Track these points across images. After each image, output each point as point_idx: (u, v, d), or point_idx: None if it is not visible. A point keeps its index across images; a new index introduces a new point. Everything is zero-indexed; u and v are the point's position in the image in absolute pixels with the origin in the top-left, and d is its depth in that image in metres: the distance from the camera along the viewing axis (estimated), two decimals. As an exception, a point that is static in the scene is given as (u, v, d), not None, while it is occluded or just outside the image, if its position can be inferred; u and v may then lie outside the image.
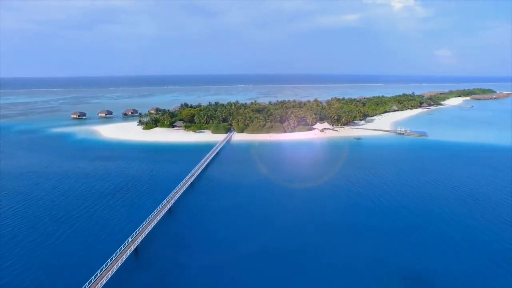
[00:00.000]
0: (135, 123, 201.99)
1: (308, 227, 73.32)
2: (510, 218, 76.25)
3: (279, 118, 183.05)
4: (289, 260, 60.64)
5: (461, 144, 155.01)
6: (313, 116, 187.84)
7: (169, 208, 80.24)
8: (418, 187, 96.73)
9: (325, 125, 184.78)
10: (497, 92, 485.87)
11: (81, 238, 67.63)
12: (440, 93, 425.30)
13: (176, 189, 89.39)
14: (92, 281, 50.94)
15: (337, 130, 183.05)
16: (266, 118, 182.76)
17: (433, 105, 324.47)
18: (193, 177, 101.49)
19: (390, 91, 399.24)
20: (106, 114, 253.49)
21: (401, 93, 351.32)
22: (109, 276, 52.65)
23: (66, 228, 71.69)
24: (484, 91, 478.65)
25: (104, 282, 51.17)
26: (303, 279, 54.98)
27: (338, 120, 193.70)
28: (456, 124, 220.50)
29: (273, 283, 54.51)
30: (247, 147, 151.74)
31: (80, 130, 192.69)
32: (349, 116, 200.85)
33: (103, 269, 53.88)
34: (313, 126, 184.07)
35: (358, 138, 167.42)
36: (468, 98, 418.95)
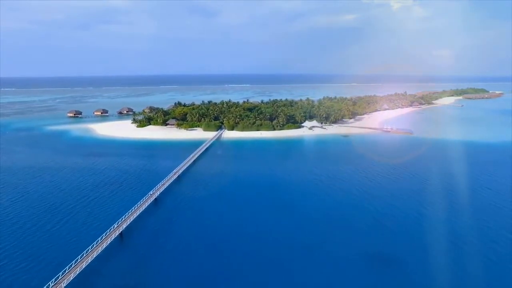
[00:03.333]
0: (130, 121, 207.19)
1: (290, 216, 78.61)
2: (471, 206, 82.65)
3: (268, 116, 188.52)
4: (268, 246, 65.53)
5: (443, 141, 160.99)
6: (302, 114, 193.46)
7: (155, 198, 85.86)
8: (392, 179, 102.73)
9: (314, 123, 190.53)
10: (490, 91, 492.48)
11: (74, 225, 73.32)
12: (433, 93, 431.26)
13: (162, 181, 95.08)
14: (78, 260, 56.65)
15: (325, 128, 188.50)
16: (256, 116, 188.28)
17: (424, 104, 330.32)
18: (180, 171, 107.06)
19: (385, 91, 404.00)
20: (102, 113, 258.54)
21: (399, 93, 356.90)
22: (94, 256, 58.28)
23: (61, 217, 77.27)
24: (476, 91, 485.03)
25: (89, 261, 56.76)
26: (280, 263, 60.08)
27: (327, 118, 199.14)
28: (443, 122, 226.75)
29: (251, 267, 59.43)
30: (236, 144, 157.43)
31: (75, 128, 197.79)
32: (338, 115, 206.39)
33: (89, 250, 59.57)
34: (302, 124, 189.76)
35: (345, 136, 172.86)
36: (460, 97, 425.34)
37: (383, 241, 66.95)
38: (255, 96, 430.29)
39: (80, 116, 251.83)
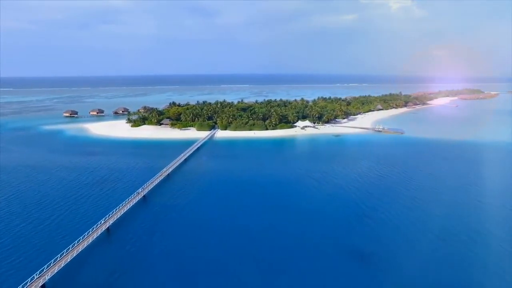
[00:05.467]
0: (125, 121, 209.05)
1: (278, 212, 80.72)
2: (456, 203, 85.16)
3: (261, 116, 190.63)
4: (256, 242, 67.28)
5: (433, 140, 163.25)
6: (295, 114, 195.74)
7: (144, 195, 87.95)
8: (381, 177, 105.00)
9: (306, 122, 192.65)
10: (485, 92, 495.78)
11: (64, 222, 75.34)
12: (429, 93, 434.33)
13: (152, 180, 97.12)
14: (64, 254, 58.83)
15: (317, 128, 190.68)
16: (249, 116, 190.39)
17: (419, 104, 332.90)
18: (171, 169, 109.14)
19: (382, 91, 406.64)
20: (97, 113, 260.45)
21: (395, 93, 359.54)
22: (80, 250, 60.42)
23: (52, 214, 79.30)
24: (472, 91, 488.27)
25: (74, 255, 58.84)
26: (268, 259, 61.80)
27: (319, 118, 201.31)
28: (435, 122, 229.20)
29: (237, 262, 60.95)
30: (227, 143, 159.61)
31: (71, 128, 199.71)
32: (331, 115, 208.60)
33: (75, 244, 61.77)
34: (295, 124, 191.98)
35: (337, 135, 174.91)
36: (455, 98, 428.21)
37: (370, 236, 69.15)
38: (252, 96, 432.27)
39: (76, 116, 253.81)
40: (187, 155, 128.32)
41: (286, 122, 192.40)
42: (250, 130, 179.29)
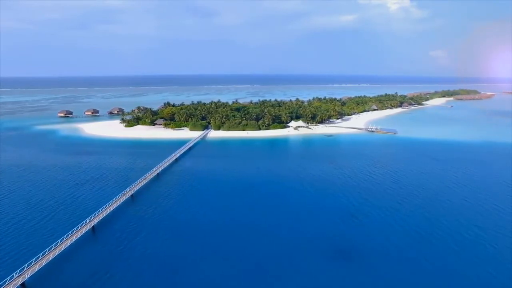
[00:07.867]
0: (119, 121, 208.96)
1: (267, 211, 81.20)
2: (445, 202, 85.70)
3: (255, 116, 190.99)
4: (244, 241, 67.57)
5: (425, 140, 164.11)
6: (288, 114, 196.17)
7: (132, 194, 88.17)
8: (371, 177, 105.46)
9: (300, 123, 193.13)
10: (481, 92, 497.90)
11: (53, 221, 75.61)
12: (425, 93, 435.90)
13: (140, 179, 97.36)
14: (46, 252, 59.12)
15: (311, 128, 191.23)
16: (243, 116, 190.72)
17: (414, 105, 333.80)
18: (160, 169, 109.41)
19: (379, 91, 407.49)
20: (92, 113, 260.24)
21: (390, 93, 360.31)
22: (63, 249, 60.74)
23: (41, 213, 79.59)
24: (468, 92, 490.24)
25: (56, 254, 59.15)
26: (255, 257, 62.40)
27: (313, 118, 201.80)
28: (429, 122, 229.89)
29: (224, 261, 61.09)
30: (220, 143, 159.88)
31: (64, 128, 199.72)
32: (324, 115, 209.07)
33: (58, 243, 62.08)
34: (288, 124, 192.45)
35: (330, 135, 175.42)
36: (451, 98, 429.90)
37: (362, 235, 69.65)
38: (248, 96, 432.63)
39: (71, 116, 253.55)
40: (178, 155, 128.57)
41: (279, 122, 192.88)
42: (243, 130, 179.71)
